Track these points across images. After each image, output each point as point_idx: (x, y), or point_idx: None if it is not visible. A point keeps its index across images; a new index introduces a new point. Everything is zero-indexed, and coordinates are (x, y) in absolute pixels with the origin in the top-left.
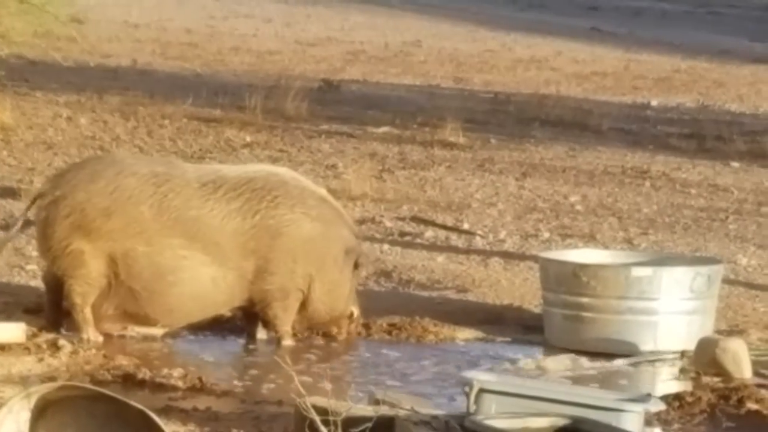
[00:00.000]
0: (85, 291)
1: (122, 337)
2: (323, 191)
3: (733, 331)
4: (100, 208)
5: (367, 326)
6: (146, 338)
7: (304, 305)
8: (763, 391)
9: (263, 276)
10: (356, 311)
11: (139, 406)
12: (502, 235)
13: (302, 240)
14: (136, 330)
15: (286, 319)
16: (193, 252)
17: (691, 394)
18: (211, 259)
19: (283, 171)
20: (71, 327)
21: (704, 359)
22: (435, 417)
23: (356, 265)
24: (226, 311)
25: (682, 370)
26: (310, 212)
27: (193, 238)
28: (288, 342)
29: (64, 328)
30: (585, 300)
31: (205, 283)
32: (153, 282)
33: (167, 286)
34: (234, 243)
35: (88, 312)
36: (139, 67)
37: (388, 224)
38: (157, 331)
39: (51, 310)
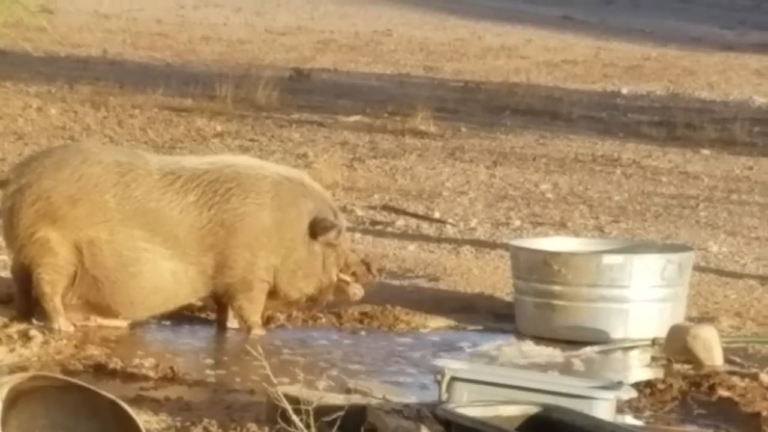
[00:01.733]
0: (54, 279)
1: (93, 326)
2: (280, 170)
3: (704, 319)
4: (66, 195)
5: (338, 315)
6: (117, 328)
7: (276, 293)
8: (734, 379)
9: (223, 270)
10: (349, 271)
11: (111, 396)
12: (473, 223)
13: (258, 232)
14: (98, 321)
15: (253, 309)
16: (153, 245)
17: (663, 381)
18: (171, 253)
19: (241, 160)
20: (42, 317)
21: (675, 347)
22: (407, 406)
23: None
24: (192, 302)
25: (654, 358)
26: (263, 201)
27: (154, 230)
28: (258, 332)
29: (35, 317)
30: (556, 288)
31: (165, 276)
32: (115, 272)
33: (129, 277)
34: (192, 237)
35: (58, 301)
36: (110, 57)
37: (360, 213)
38: (120, 323)
39: (21, 300)
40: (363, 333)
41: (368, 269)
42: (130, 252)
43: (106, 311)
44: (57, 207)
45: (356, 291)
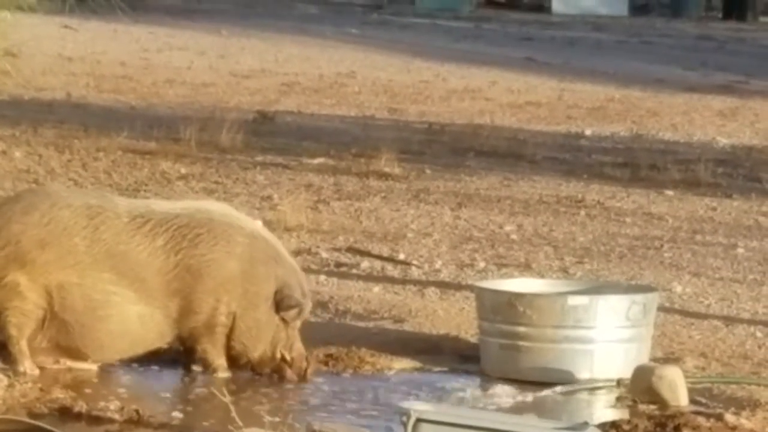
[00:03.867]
0: (21, 323)
1: (58, 369)
2: (259, 229)
3: (669, 359)
4: (36, 240)
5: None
6: (82, 370)
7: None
8: (699, 419)
9: (188, 315)
10: (290, 354)
11: None
12: (438, 265)
13: (223, 279)
14: (68, 364)
15: (216, 352)
16: (121, 288)
17: (628, 422)
18: (138, 297)
19: (214, 207)
20: (6, 360)
21: (641, 387)
22: None
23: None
24: (159, 346)
25: (619, 398)
26: (233, 250)
27: (122, 273)
28: (222, 374)
29: (0, 361)
30: (521, 329)
31: (132, 320)
32: (84, 316)
33: (97, 320)
34: (159, 281)
35: (24, 345)
36: (74, 101)
37: (324, 255)
38: (90, 366)
39: None
40: (328, 375)
41: (305, 368)
42: (99, 295)
43: (76, 354)
44: (26, 251)
45: (292, 377)
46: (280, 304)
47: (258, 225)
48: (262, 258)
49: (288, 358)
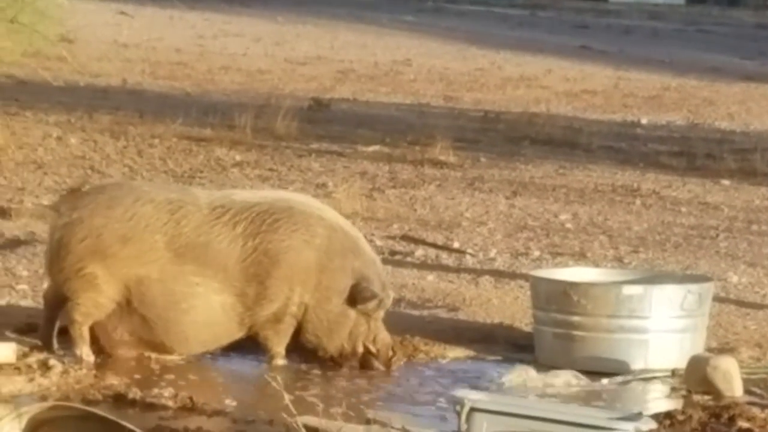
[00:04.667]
0: (89, 312)
1: (113, 356)
2: (339, 220)
3: (724, 349)
4: (118, 234)
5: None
6: (137, 358)
7: (297, 333)
8: (754, 410)
9: (261, 302)
10: (375, 346)
11: (130, 426)
12: (493, 253)
13: (299, 268)
14: (153, 357)
15: (277, 341)
16: (204, 279)
17: (682, 412)
18: (221, 286)
19: (295, 197)
20: (64, 345)
21: (695, 377)
22: None
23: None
24: (239, 336)
25: (673, 389)
26: (312, 240)
27: (204, 264)
28: (280, 362)
29: (57, 347)
30: (575, 318)
31: (216, 310)
32: (167, 310)
33: (181, 313)
34: (238, 268)
35: (85, 331)
36: (129, 87)
37: (379, 243)
38: (176, 358)
39: (46, 327)
40: None
41: (390, 357)
42: (182, 288)
43: (161, 348)
44: (107, 245)
45: (379, 367)
46: (357, 297)
47: (339, 216)
48: (339, 250)
49: (373, 350)
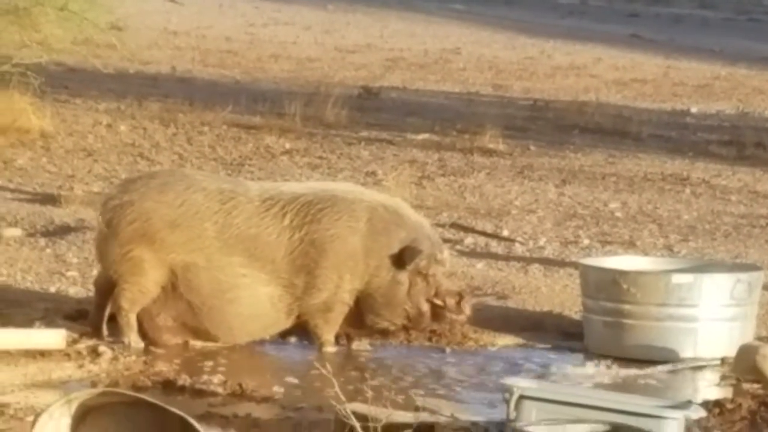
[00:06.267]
0: (136, 298)
1: (157, 342)
2: (379, 198)
3: None
4: (167, 219)
5: (407, 332)
6: (186, 345)
7: (363, 320)
8: None
9: (311, 291)
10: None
11: (180, 413)
12: (542, 241)
13: (346, 255)
14: (196, 345)
15: (327, 329)
16: (252, 270)
17: (732, 401)
18: (269, 278)
19: (340, 186)
20: (113, 332)
21: (744, 366)
22: (475, 423)
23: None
24: (286, 327)
25: (723, 377)
26: (356, 225)
27: (253, 256)
28: (329, 349)
29: (106, 333)
30: (625, 307)
31: (263, 301)
32: (212, 298)
33: (226, 303)
34: (286, 260)
35: (133, 318)
36: (179, 75)
37: None
38: (224, 345)
39: (97, 313)
40: (431, 351)
41: (458, 303)
42: (228, 278)
43: (205, 335)
44: (156, 229)
45: (456, 317)
46: (404, 258)
47: (378, 194)
48: (382, 228)
49: (439, 302)
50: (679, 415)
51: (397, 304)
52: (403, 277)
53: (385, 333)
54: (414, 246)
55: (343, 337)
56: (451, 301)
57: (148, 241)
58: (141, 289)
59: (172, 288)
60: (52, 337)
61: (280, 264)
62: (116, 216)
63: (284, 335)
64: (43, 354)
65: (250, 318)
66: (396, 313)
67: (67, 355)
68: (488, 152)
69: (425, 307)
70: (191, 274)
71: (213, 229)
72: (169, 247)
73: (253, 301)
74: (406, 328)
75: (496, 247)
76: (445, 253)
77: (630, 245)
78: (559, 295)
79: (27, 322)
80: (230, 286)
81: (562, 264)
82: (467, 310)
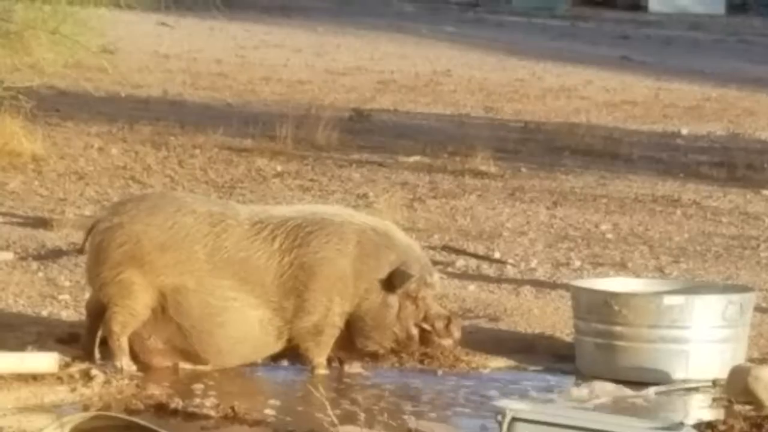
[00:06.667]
0: (126, 321)
1: (147, 365)
2: (367, 220)
3: (766, 360)
4: (157, 242)
5: (398, 355)
6: (178, 368)
7: (353, 343)
8: None
9: (301, 315)
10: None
11: None
12: (534, 263)
13: (335, 278)
14: (187, 367)
15: (318, 351)
16: (242, 294)
17: (724, 422)
18: (259, 302)
19: (329, 209)
20: (106, 355)
21: (736, 388)
22: None
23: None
24: (277, 351)
25: (715, 399)
26: (345, 248)
27: (243, 279)
28: (321, 372)
29: (99, 357)
30: (617, 328)
31: (253, 325)
32: (202, 321)
33: (216, 326)
34: (276, 283)
35: (124, 341)
36: (170, 98)
37: None
38: (215, 369)
39: (88, 337)
40: (423, 373)
41: (447, 327)
42: (217, 302)
43: (195, 358)
44: (146, 252)
45: (444, 343)
46: (395, 281)
47: (368, 217)
48: (372, 251)
49: (427, 327)
50: None
51: (386, 327)
52: (393, 300)
53: (374, 356)
54: (404, 269)
55: (336, 360)
56: (439, 325)
57: (137, 264)
58: (131, 312)
59: (162, 311)
60: (45, 361)
61: (269, 287)
62: (106, 238)
63: (276, 358)
64: (35, 378)
65: (239, 341)
66: (385, 336)
67: (60, 378)
68: (479, 174)
69: (414, 331)
70: (181, 296)
71: (203, 252)
72: (158, 269)
73: (242, 325)
74: (395, 351)
75: (487, 269)
76: (435, 276)
77: (621, 267)
78: (551, 317)
79: (19, 346)
80: (220, 310)
81: (554, 286)
82: (456, 333)
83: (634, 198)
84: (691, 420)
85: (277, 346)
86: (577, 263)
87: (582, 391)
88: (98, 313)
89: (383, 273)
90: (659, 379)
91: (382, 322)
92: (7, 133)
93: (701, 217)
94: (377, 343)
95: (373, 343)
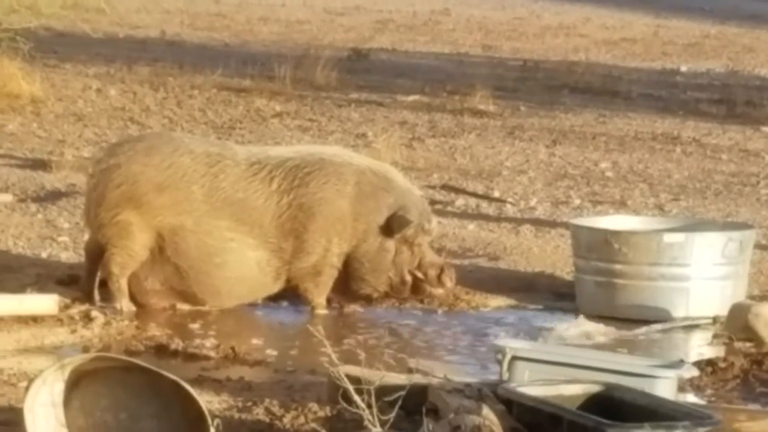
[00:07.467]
0: (125, 262)
1: (144, 306)
2: (367, 162)
3: (766, 297)
4: (154, 182)
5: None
6: (178, 309)
7: (347, 285)
8: None
9: (299, 255)
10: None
11: (172, 377)
12: (533, 202)
13: (334, 219)
14: (185, 308)
15: (318, 292)
16: (239, 234)
17: (724, 359)
18: (257, 242)
19: (328, 149)
20: (105, 297)
21: (737, 325)
22: (468, 385)
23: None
24: (275, 291)
25: (715, 336)
26: (343, 189)
27: (240, 220)
28: (321, 312)
29: (98, 298)
30: (617, 267)
31: (251, 266)
32: (199, 262)
33: (213, 267)
34: (274, 224)
35: (123, 283)
36: (168, 38)
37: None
38: (215, 309)
39: (88, 279)
40: (423, 313)
41: (439, 276)
42: (215, 242)
43: (193, 299)
44: (143, 192)
45: (435, 292)
46: (393, 226)
47: (367, 158)
48: (370, 192)
49: (420, 275)
50: (672, 374)
51: (382, 271)
52: (390, 244)
53: (368, 299)
54: (403, 214)
55: (336, 301)
56: (432, 273)
57: (135, 205)
58: (130, 253)
59: (160, 251)
60: (45, 303)
61: (267, 228)
62: (103, 180)
63: (276, 299)
64: (35, 320)
65: (237, 282)
66: (381, 280)
67: (60, 320)
68: (478, 113)
69: (408, 277)
70: (178, 237)
71: (200, 192)
72: (156, 210)
73: (240, 266)
74: (387, 296)
75: (487, 208)
76: (434, 223)
77: (621, 205)
78: (551, 256)
79: (19, 288)
80: (217, 250)
81: (554, 224)
82: (448, 283)
83: (634, 136)
84: (692, 357)
85: (275, 287)
86: (577, 201)
87: (570, 331)
88: (97, 254)
89: (381, 215)
90: (659, 316)
91: (379, 266)
92: (5, 74)
93: (701, 155)
94: (372, 286)
95: (368, 287)
